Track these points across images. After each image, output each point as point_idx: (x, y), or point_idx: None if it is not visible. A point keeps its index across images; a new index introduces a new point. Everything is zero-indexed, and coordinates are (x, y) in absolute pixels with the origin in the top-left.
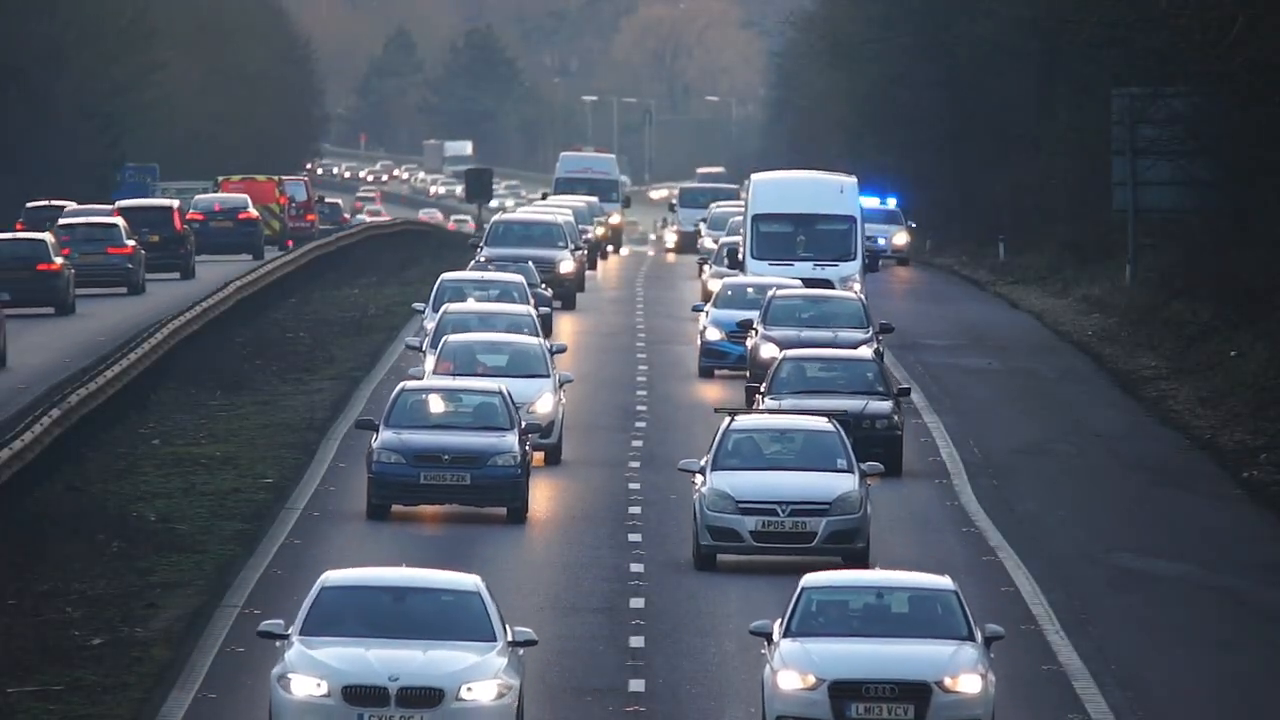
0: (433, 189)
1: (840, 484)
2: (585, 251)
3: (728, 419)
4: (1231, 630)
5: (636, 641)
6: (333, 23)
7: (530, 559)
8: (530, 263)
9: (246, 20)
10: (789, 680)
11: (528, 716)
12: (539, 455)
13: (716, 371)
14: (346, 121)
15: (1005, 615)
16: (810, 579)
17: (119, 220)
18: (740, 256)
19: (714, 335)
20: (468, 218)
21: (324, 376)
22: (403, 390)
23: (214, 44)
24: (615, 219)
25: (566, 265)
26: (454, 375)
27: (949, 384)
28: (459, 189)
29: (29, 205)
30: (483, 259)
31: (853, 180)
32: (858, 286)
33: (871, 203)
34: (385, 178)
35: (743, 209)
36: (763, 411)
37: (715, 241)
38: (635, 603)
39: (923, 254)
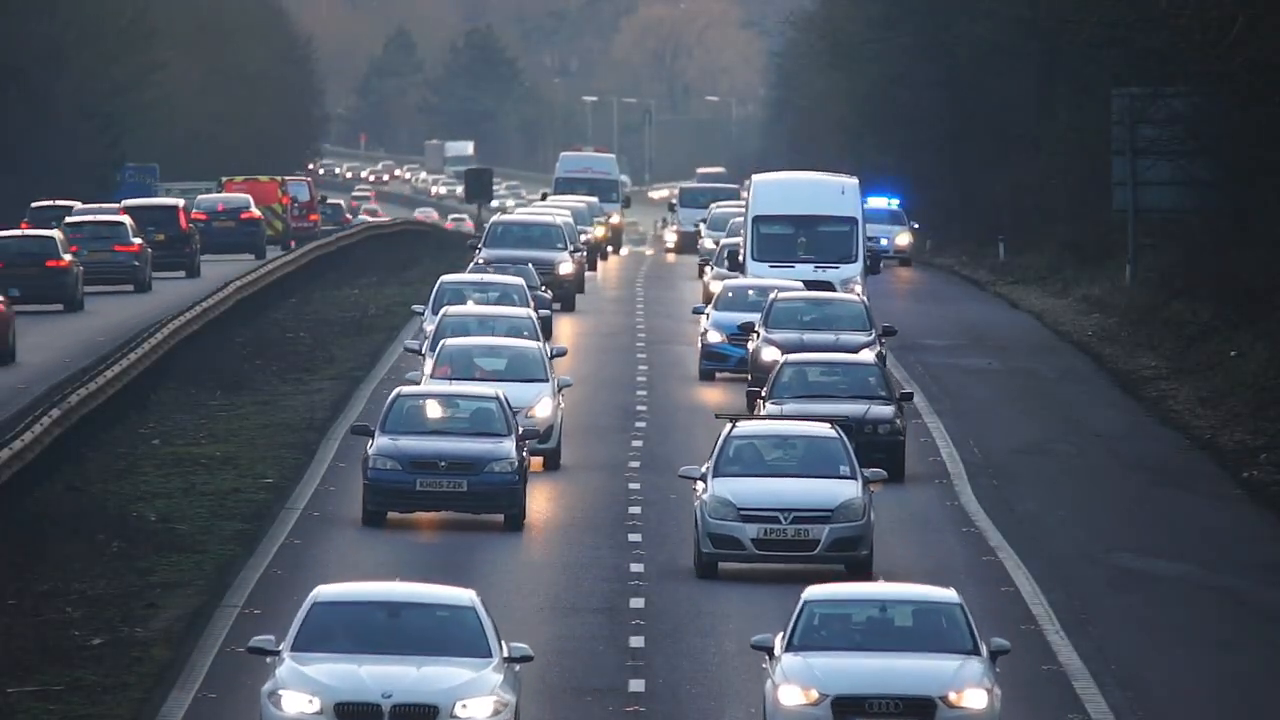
0: (433, 189)
1: (843, 491)
2: (584, 253)
3: (729, 425)
4: (1231, 630)
5: (636, 641)
6: (333, 23)
7: (530, 560)
8: (530, 265)
9: (246, 20)
10: (791, 695)
11: (527, 717)
12: (537, 460)
13: (717, 374)
14: (346, 121)
15: (1005, 615)
16: (812, 592)
17: (126, 219)
18: (740, 258)
19: (715, 338)
20: (465, 216)
21: (324, 376)
22: (399, 395)
23: (214, 44)
24: (615, 219)
25: (566, 267)
26: (451, 379)
27: (949, 384)
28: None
29: (34, 205)
30: (481, 260)
31: (854, 181)
32: (859, 288)
33: (879, 203)
34: (387, 178)
35: (743, 210)
36: (764, 417)
37: (715, 242)
38: (635, 603)
39: (923, 254)
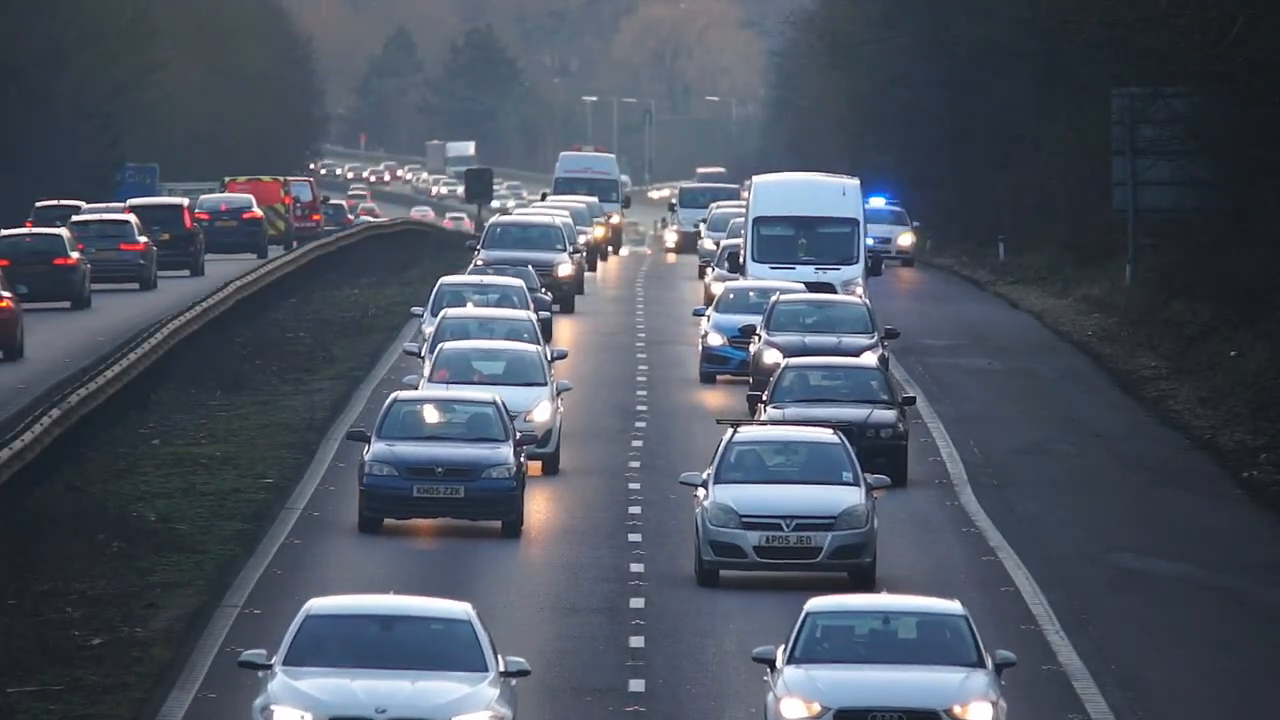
0: (434, 189)
1: (846, 497)
2: (584, 254)
3: (730, 430)
4: (1231, 630)
5: (636, 641)
6: (333, 23)
7: (529, 560)
8: (530, 266)
9: (246, 20)
10: (793, 709)
11: (527, 717)
12: (536, 465)
13: (718, 377)
14: (346, 121)
15: (1005, 615)
16: (815, 603)
17: (132, 218)
18: (740, 260)
19: (716, 340)
20: (463, 215)
21: (324, 376)
22: (395, 400)
23: (214, 44)
24: (615, 219)
25: (565, 268)
26: (449, 383)
27: (949, 384)
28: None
29: (38, 205)
30: (480, 262)
31: (855, 182)
32: (860, 290)
33: (878, 203)
34: (388, 178)
35: (743, 210)
36: (766, 423)
37: (715, 243)
38: (635, 603)
39: (923, 254)
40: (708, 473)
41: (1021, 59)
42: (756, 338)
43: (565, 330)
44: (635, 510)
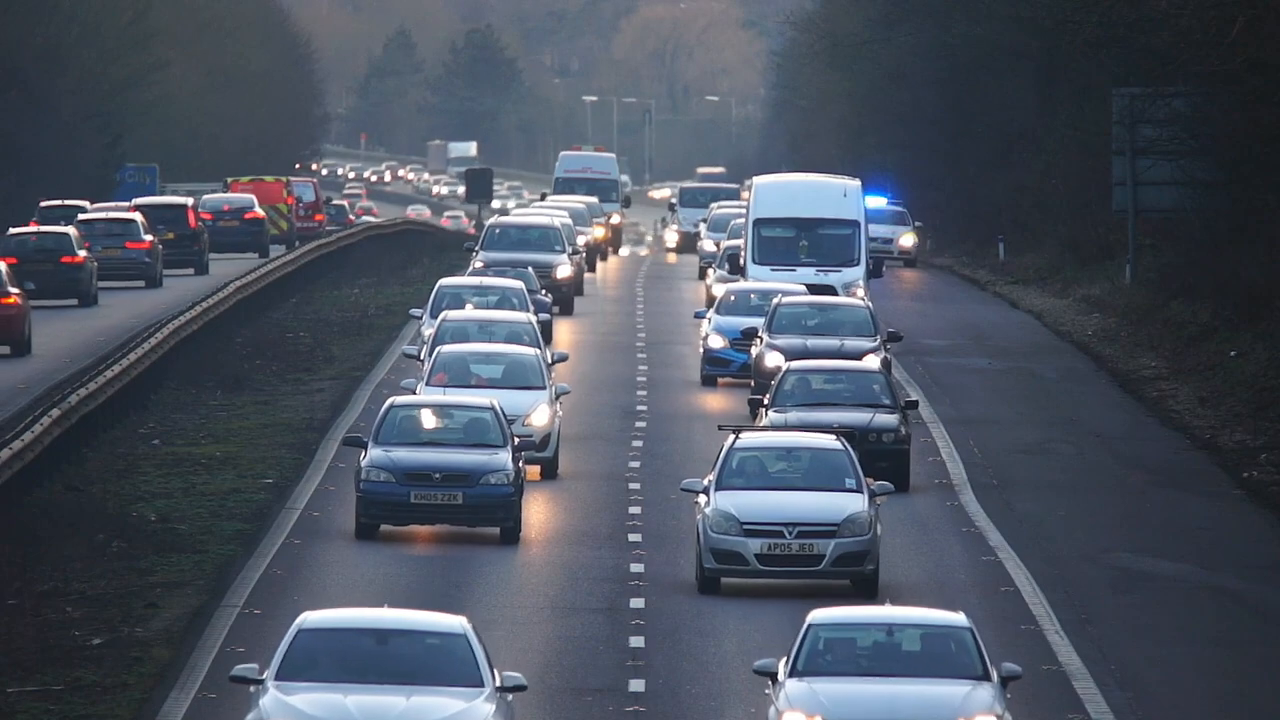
0: (435, 190)
1: (849, 504)
2: (583, 255)
3: (732, 436)
4: (1231, 630)
5: (636, 641)
6: (333, 23)
7: (529, 560)
8: (529, 268)
9: (246, 20)
10: None
11: (527, 717)
12: (534, 469)
13: (719, 380)
14: (346, 121)
15: (1005, 615)
16: (817, 615)
17: (138, 216)
18: (741, 262)
19: (717, 343)
20: (461, 213)
21: (324, 376)
22: (392, 406)
23: (214, 44)
24: (615, 219)
25: (564, 270)
26: (447, 387)
27: (949, 384)
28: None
29: (43, 204)
30: (479, 264)
31: (856, 184)
32: (861, 292)
33: (879, 202)
34: (389, 178)
35: (743, 210)
36: (767, 427)
37: (716, 244)
38: (635, 603)
39: (923, 254)
40: (709, 479)
41: (1021, 59)
42: (758, 340)
43: (565, 332)
44: (635, 510)
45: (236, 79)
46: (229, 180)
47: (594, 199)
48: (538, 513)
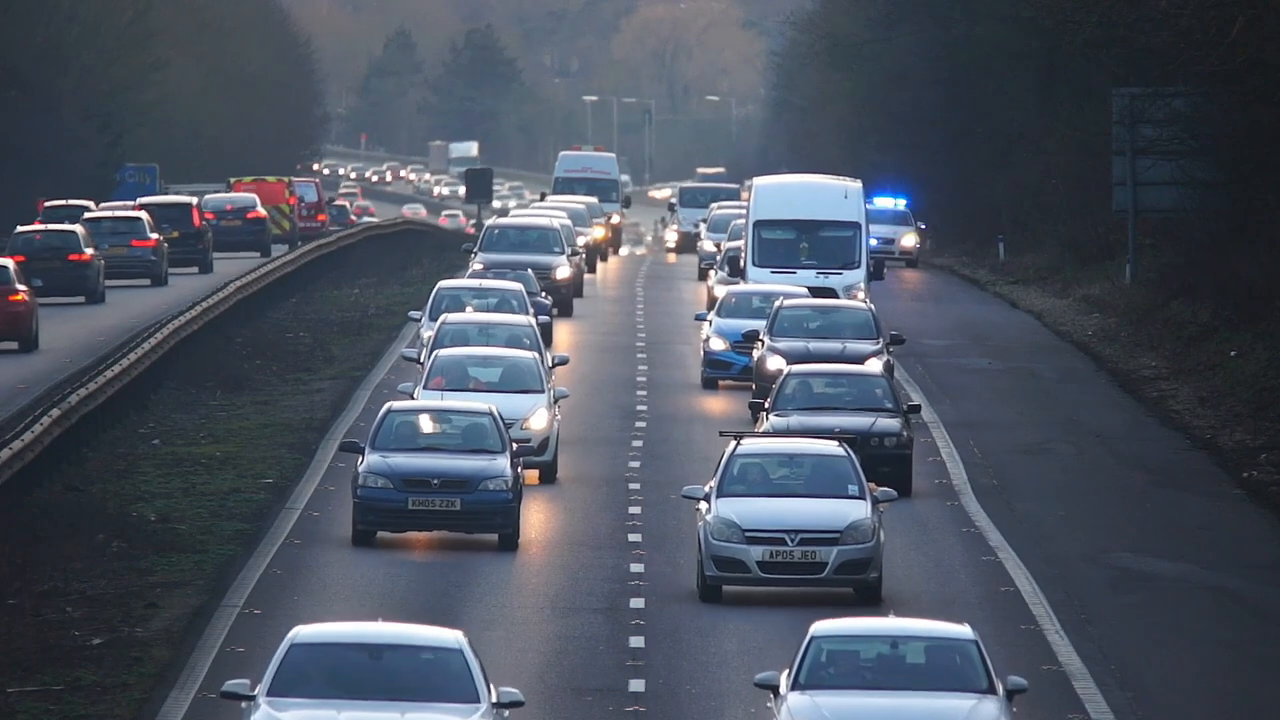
0: (436, 190)
1: (852, 511)
2: (582, 256)
3: (733, 442)
4: (1231, 630)
5: (636, 641)
6: (333, 23)
7: (529, 560)
8: (530, 270)
9: (246, 20)
10: None
11: (528, 717)
12: (533, 473)
13: (720, 383)
14: (346, 121)
15: (1005, 616)
16: (820, 627)
17: (143, 215)
18: (741, 264)
19: (718, 345)
20: (459, 212)
21: (324, 376)
22: (389, 411)
23: (214, 44)
24: (615, 219)
25: (562, 271)
26: (445, 390)
27: (949, 384)
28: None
29: (48, 204)
30: (478, 266)
31: (857, 185)
32: (862, 295)
33: (885, 203)
34: (390, 178)
35: (743, 211)
36: (766, 433)
37: (716, 245)
38: (635, 603)
39: (923, 254)
40: (710, 485)
41: (1021, 59)
42: (759, 343)
43: (564, 333)
44: (635, 510)
45: (236, 79)
46: (232, 180)
47: (594, 199)
48: (536, 517)
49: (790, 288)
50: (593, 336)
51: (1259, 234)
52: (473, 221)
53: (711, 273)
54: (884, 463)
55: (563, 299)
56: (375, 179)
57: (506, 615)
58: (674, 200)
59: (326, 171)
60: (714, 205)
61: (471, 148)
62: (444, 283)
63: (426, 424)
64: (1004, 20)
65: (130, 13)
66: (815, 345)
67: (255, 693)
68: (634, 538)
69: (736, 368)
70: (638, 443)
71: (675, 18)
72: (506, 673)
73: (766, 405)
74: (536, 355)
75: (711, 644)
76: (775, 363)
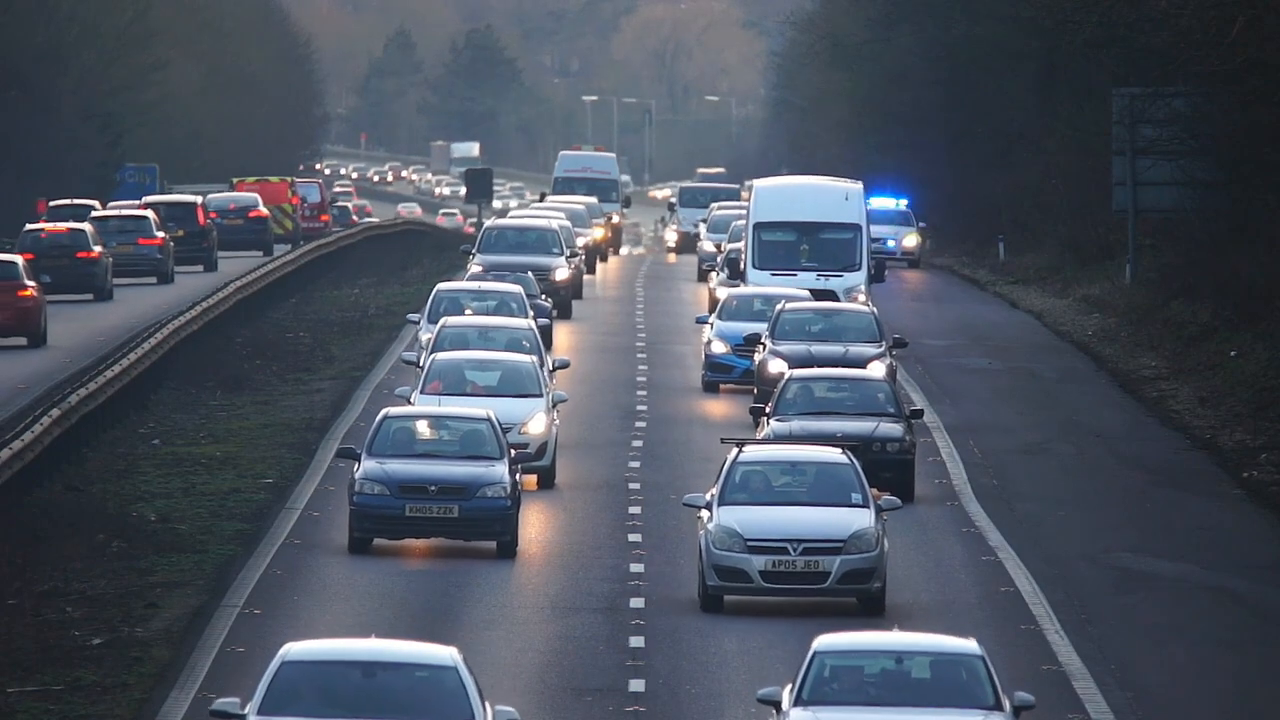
0: (438, 190)
1: (855, 520)
2: (582, 257)
3: (735, 450)
4: (1231, 630)
5: (636, 641)
6: (333, 23)
7: (528, 560)
8: (530, 272)
9: (246, 20)
10: None
11: (527, 717)
12: (531, 478)
13: (722, 386)
14: (346, 121)
15: (1005, 615)
16: (823, 641)
17: (149, 213)
18: (741, 266)
19: (719, 348)
20: (456, 211)
21: (324, 376)
22: (386, 417)
23: (214, 44)
24: (615, 219)
25: (561, 273)
26: (442, 395)
27: (949, 384)
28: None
29: (52, 204)
30: (477, 267)
31: (858, 187)
32: (863, 297)
33: (886, 203)
34: (391, 178)
35: (743, 211)
36: (766, 440)
37: (716, 246)
38: (635, 603)
39: (923, 254)
40: (711, 493)
41: (1021, 59)
42: (761, 347)
43: (563, 334)
44: (635, 510)
45: (236, 79)
46: (235, 180)
47: (594, 199)
48: (536, 519)
49: (791, 290)
50: (592, 337)
51: (1259, 234)
52: (471, 220)
53: (712, 275)
54: (886, 468)
55: (561, 301)
56: (377, 179)
57: (506, 615)
58: (674, 200)
59: (328, 171)
60: (714, 205)
61: (473, 148)
62: (442, 285)
63: (423, 430)
64: (1004, 20)
65: (130, 13)
66: (817, 349)
67: (245, 711)
68: (634, 538)
69: (738, 371)
70: (638, 443)
71: (675, 18)
72: (506, 673)
73: (767, 410)
74: (535, 359)
75: (711, 644)
76: (777, 366)
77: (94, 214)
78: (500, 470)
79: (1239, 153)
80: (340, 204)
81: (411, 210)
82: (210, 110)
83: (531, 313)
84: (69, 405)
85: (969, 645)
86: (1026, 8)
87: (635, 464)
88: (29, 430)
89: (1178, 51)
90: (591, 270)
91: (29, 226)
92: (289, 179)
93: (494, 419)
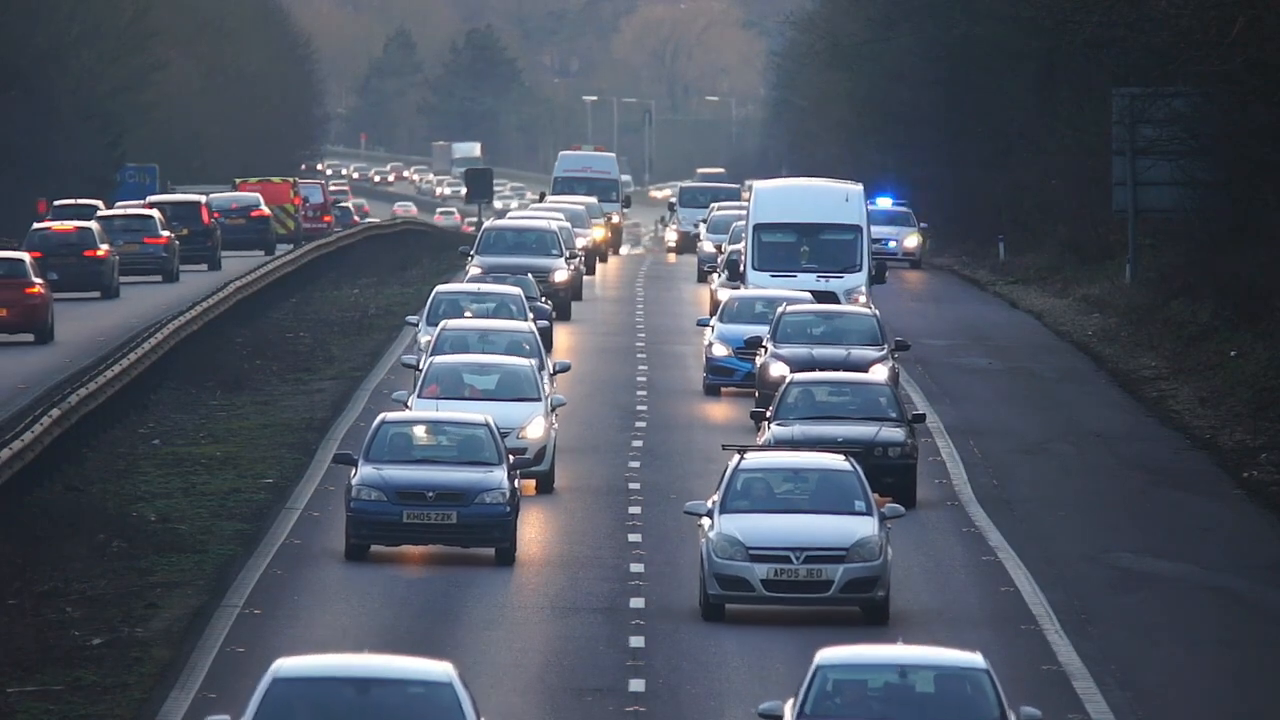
0: (439, 190)
1: (858, 528)
2: (581, 258)
3: (737, 456)
4: (1231, 630)
5: (636, 641)
6: (333, 23)
7: (528, 561)
8: (530, 274)
9: (246, 20)
10: None
11: (527, 718)
12: (529, 483)
13: (723, 389)
14: (346, 121)
15: (1005, 615)
16: (826, 656)
17: (155, 213)
18: (741, 268)
19: (720, 351)
20: (453, 209)
21: (324, 376)
22: (383, 422)
23: (214, 44)
24: (615, 219)
25: (560, 274)
26: (439, 399)
27: (949, 384)
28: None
29: (57, 204)
30: (475, 269)
31: (858, 188)
32: (863, 299)
33: (884, 203)
34: (393, 178)
35: (743, 211)
36: (766, 446)
37: (717, 247)
38: (635, 603)
39: (924, 255)
40: (713, 501)
41: (1021, 59)
42: (762, 350)
43: (563, 335)
44: (635, 510)
45: (236, 79)
46: (237, 181)
47: (594, 199)
48: (535, 520)
49: (793, 292)
50: (592, 337)
51: (1259, 234)
52: (470, 219)
53: (713, 276)
54: (888, 473)
55: (560, 303)
56: (378, 179)
57: (506, 615)
58: (674, 200)
59: (329, 172)
60: (714, 205)
61: (475, 148)
62: (441, 287)
63: (421, 435)
64: (1004, 20)
65: (130, 13)
66: (819, 352)
67: None
68: (634, 538)
69: (739, 374)
70: (638, 443)
71: (675, 18)
72: (507, 673)
73: (768, 414)
74: (534, 362)
75: (711, 644)
76: (778, 369)
77: (100, 213)
78: (499, 476)
79: (1239, 153)
80: (342, 204)
81: (407, 209)
82: (210, 110)
83: (531, 315)
84: (69, 405)
85: (974, 659)
86: (1026, 8)
87: (635, 464)
88: (29, 430)
89: (1178, 51)
90: (591, 271)
91: (36, 225)
92: (291, 179)
93: (492, 424)
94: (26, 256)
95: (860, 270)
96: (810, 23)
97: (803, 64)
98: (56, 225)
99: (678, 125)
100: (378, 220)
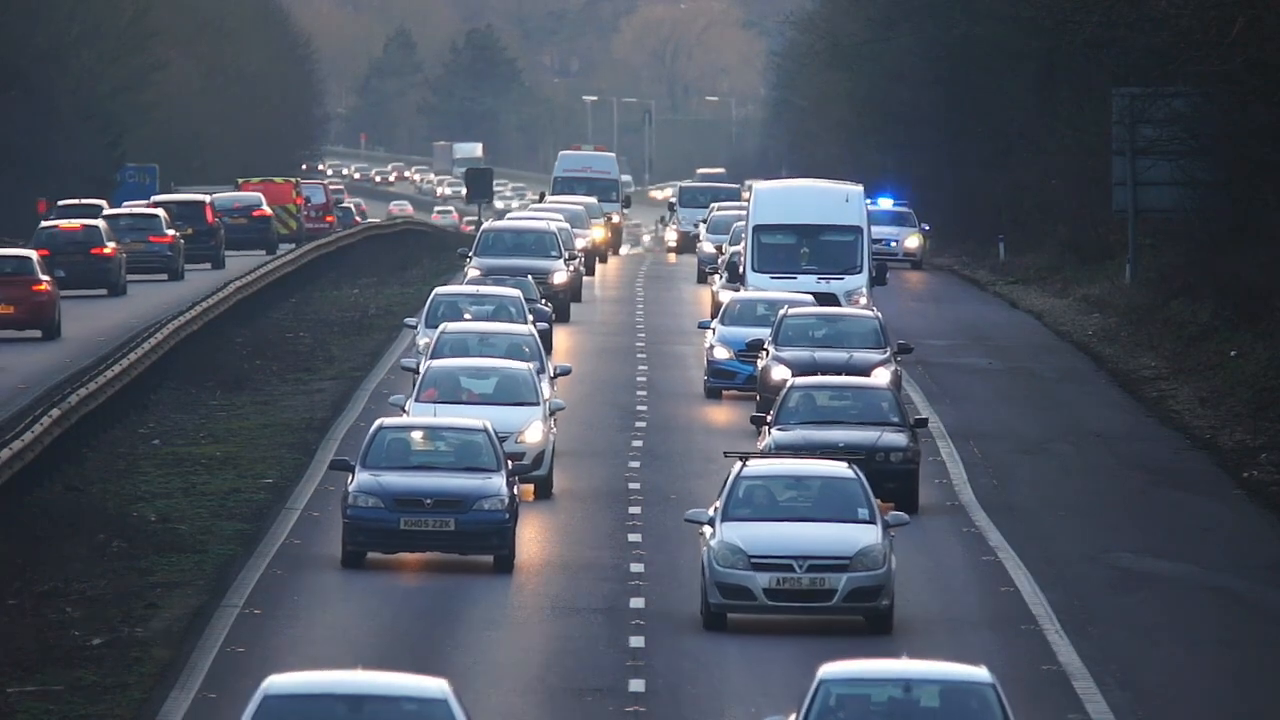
0: (440, 190)
1: (862, 536)
2: (580, 259)
3: (738, 463)
4: (1231, 630)
5: (636, 641)
6: (333, 23)
7: (528, 561)
8: (530, 276)
9: (246, 20)
10: None
11: (527, 718)
12: (528, 488)
13: (724, 392)
14: (346, 121)
15: (1005, 615)
16: (829, 670)
17: (160, 212)
18: (740, 269)
19: (722, 354)
20: (451, 208)
21: (324, 376)
22: (380, 428)
23: (214, 44)
24: (615, 219)
25: (560, 276)
26: (437, 402)
27: (949, 384)
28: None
29: (61, 204)
30: (474, 271)
31: (858, 189)
32: (864, 301)
33: (885, 204)
34: (394, 178)
35: (743, 212)
36: (770, 449)
37: (717, 247)
38: (635, 603)
39: (924, 255)
40: (714, 508)
41: (1021, 59)
42: (764, 353)
43: (562, 335)
44: (635, 510)
45: (236, 79)
46: (239, 181)
47: (594, 199)
48: (535, 520)
49: (794, 295)
50: (592, 338)
51: (1259, 234)
52: (469, 219)
53: (714, 277)
54: (890, 478)
55: (560, 304)
56: (379, 179)
57: (506, 616)
58: (674, 200)
59: (330, 172)
60: (714, 205)
61: (476, 148)
62: (440, 289)
63: (419, 441)
64: (1004, 20)
65: (130, 13)
66: (821, 355)
67: None
68: (634, 538)
69: (741, 377)
70: (638, 443)
71: (675, 18)
72: (506, 673)
73: (769, 419)
74: (532, 366)
75: (711, 644)
76: (780, 373)
77: (106, 212)
78: (498, 482)
79: (1239, 153)
80: (344, 204)
81: (403, 208)
82: (210, 110)
83: (531, 317)
84: (69, 405)
85: (980, 673)
86: (1026, 8)
87: (635, 465)
88: (29, 430)
89: (1178, 51)
90: (591, 271)
91: (44, 223)
92: (294, 179)
93: (491, 430)
94: (34, 254)
95: (861, 272)
96: (810, 23)
97: (803, 64)
98: (64, 223)
99: (678, 125)
100: (378, 220)
